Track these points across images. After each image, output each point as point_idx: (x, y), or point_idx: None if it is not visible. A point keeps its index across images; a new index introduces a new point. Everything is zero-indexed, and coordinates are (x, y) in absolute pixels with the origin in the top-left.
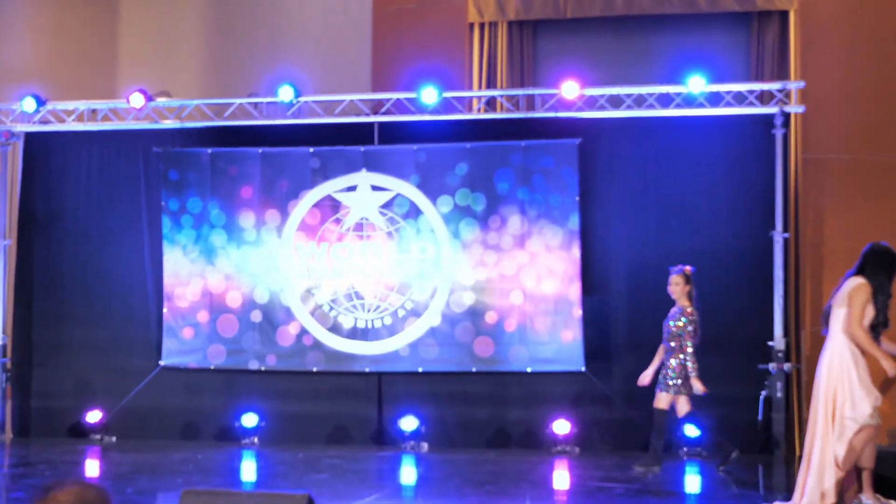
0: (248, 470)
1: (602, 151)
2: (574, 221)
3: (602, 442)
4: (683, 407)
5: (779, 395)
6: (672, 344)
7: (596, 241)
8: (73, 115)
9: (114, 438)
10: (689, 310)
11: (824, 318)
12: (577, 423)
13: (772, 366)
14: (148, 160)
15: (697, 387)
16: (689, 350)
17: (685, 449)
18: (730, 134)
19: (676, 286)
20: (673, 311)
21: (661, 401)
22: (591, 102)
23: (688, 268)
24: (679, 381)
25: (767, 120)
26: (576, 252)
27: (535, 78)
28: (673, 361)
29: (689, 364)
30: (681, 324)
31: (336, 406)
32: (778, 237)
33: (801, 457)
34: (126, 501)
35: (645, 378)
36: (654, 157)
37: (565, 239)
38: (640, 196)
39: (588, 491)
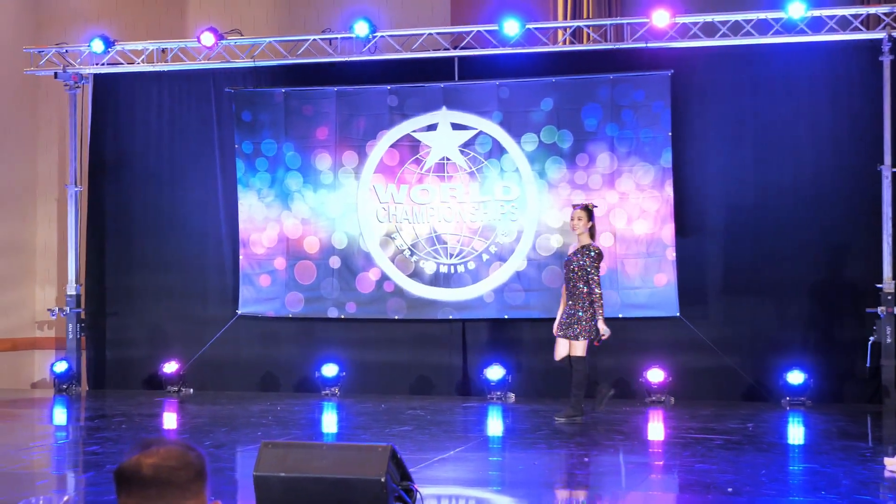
0: (329, 422)
1: (695, 83)
2: (666, 158)
3: (698, 391)
4: (578, 350)
5: (888, 340)
6: (576, 285)
7: (690, 179)
8: (142, 55)
9: (191, 390)
10: (594, 246)
11: None
12: (672, 371)
13: (881, 309)
14: (220, 101)
15: (604, 329)
16: (598, 291)
17: (787, 398)
18: (833, 62)
19: (580, 221)
20: (574, 248)
21: (565, 348)
22: (683, 31)
23: (591, 202)
24: (574, 324)
25: (874, 46)
26: (669, 190)
27: (624, 6)
28: (573, 303)
29: (598, 305)
30: (586, 262)
31: (419, 355)
32: (887, 171)
33: None
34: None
35: (555, 328)
36: (751, 88)
37: (657, 177)
38: (737, 130)
39: (685, 443)
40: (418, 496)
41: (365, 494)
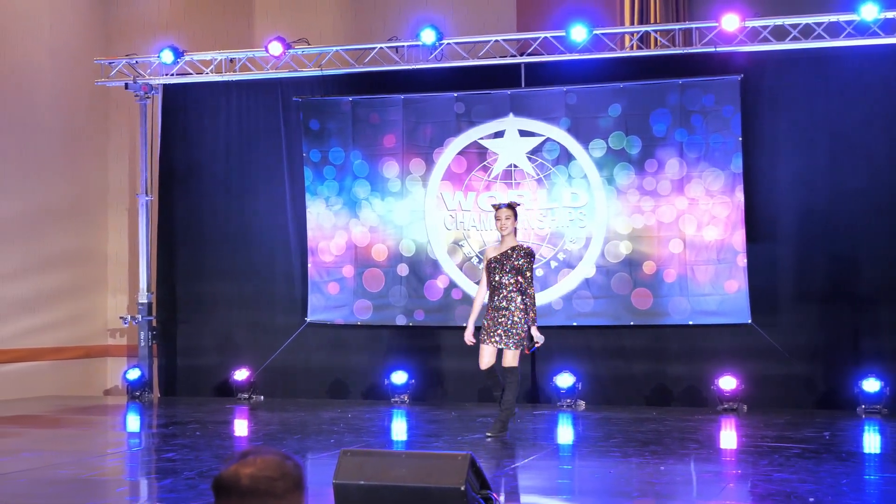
0: (400, 429)
1: (766, 87)
2: (737, 163)
3: (771, 398)
4: (513, 359)
5: None
6: (508, 288)
7: (761, 184)
8: (210, 65)
9: (261, 397)
10: (526, 245)
11: None
12: (744, 378)
13: None
14: (288, 110)
15: (539, 336)
16: (534, 293)
17: (863, 406)
18: None
19: (508, 220)
20: (505, 250)
21: (492, 356)
22: (753, 35)
23: (513, 201)
24: (511, 331)
25: None
26: (739, 196)
27: (692, 11)
28: (506, 307)
29: (533, 310)
30: (524, 263)
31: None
32: None
33: None
34: None
35: (470, 335)
36: (823, 91)
37: (727, 182)
38: (808, 134)
39: (761, 452)
40: None
41: (445, 503)
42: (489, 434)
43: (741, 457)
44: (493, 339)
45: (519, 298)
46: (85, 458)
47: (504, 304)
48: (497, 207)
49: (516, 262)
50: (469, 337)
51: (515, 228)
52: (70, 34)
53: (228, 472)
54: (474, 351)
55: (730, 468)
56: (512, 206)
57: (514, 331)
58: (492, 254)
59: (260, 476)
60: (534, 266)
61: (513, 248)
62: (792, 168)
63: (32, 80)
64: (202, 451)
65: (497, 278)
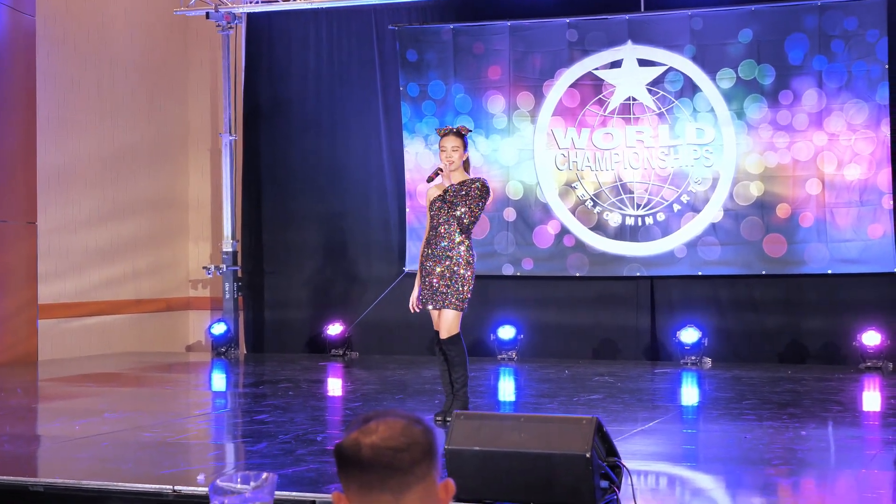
0: (510, 389)
1: None
2: (882, 94)
3: None
4: (454, 325)
5: None
6: (450, 233)
7: None
8: None
9: (356, 354)
10: (480, 179)
11: None
12: (890, 334)
13: None
14: (382, 39)
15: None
16: (468, 240)
17: None
18: None
19: (455, 152)
20: (447, 185)
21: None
22: None
23: (462, 126)
24: (454, 286)
25: None
26: (885, 130)
27: None
28: (450, 257)
29: (470, 255)
30: (472, 200)
31: (603, 315)
32: None
33: None
34: None
35: (416, 301)
36: None
37: (872, 115)
38: None
39: None
40: (625, 473)
41: (568, 471)
42: (437, 417)
43: (890, 421)
44: (436, 300)
45: (465, 246)
46: (170, 420)
47: (444, 255)
48: (443, 134)
49: (466, 201)
50: (414, 303)
51: (466, 162)
52: None
53: (349, 441)
54: (588, 304)
55: (877, 433)
56: (461, 133)
57: (457, 287)
58: (435, 192)
59: (383, 447)
60: (482, 203)
61: (461, 183)
62: None
63: (104, 10)
64: (297, 412)
65: (442, 219)
